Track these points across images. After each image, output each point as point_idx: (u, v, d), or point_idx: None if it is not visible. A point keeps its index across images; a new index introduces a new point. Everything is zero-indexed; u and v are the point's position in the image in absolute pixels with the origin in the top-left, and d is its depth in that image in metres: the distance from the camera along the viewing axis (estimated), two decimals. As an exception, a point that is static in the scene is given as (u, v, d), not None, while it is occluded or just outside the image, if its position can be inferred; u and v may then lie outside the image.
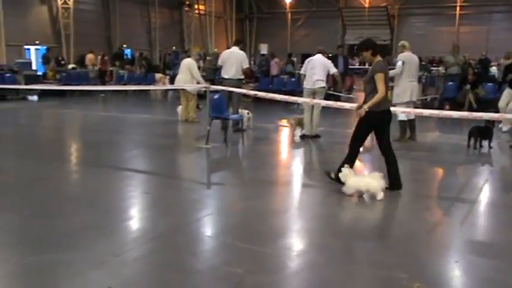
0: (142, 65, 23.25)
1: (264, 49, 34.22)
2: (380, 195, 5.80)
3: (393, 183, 6.16)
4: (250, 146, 9.62)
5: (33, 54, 27.78)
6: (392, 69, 9.23)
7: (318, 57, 10.12)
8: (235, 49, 11.08)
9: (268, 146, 10.00)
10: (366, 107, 5.95)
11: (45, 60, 23.13)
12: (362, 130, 6.24)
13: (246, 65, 11.01)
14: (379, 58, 6.18)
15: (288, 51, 30.58)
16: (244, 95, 13.22)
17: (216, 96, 9.44)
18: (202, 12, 39.95)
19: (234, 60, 10.84)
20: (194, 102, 12.33)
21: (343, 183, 5.96)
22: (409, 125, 9.83)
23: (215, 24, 41.03)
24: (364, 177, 6.18)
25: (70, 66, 24.40)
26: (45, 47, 26.84)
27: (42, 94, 18.04)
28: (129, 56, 30.44)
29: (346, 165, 6.01)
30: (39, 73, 21.23)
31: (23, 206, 5.52)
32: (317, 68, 9.92)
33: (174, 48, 34.26)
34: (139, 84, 20.32)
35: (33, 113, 15.15)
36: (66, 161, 8.48)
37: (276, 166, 8.29)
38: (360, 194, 5.93)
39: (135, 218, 5.38)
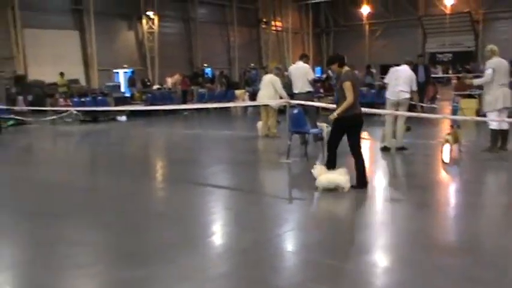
0: (222, 83, 23.83)
1: (342, 62, 33.88)
2: (346, 188, 6.59)
3: (359, 182, 6.82)
4: (330, 160, 9.50)
5: (122, 77, 29.44)
6: (479, 77, 8.77)
7: (404, 69, 9.87)
8: (299, 63, 11.29)
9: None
10: (335, 113, 6.73)
11: (131, 82, 24.41)
12: (335, 134, 6.99)
13: (310, 77, 11.25)
14: (346, 69, 6.89)
15: (366, 63, 30.10)
16: (323, 109, 13.13)
17: (295, 111, 9.46)
18: (279, 28, 40.40)
19: (299, 74, 11.12)
20: (275, 117, 12.43)
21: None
22: (501, 134, 9.27)
23: (292, 39, 41.33)
24: (332, 173, 6.78)
25: (155, 87, 25.57)
26: (132, 70, 28.36)
27: (130, 114, 19.00)
28: (209, 75, 31.37)
29: (317, 163, 6.92)
30: (127, 95, 22.39)
31: (115, 221, 5.81)
32: (401, 80, 9.67)
33: (252, 65, 34.84)
34: (220, 101, 20.82)
35: (122, 133, 15.99)
36: (153, 178, 8.85)
37: (358, 180, 8.11)
38: (330, 188, 6.63)
39: (218, 234, 5.47)
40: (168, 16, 32.36)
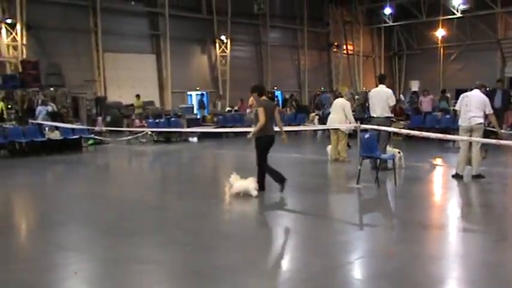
0: (292, 106, 23.93)
1: (415, 86, 33.13)
2: (253, 193, 8.00)
3: (282, 187, 8.44)
4: (402, 186, 9.24)
5: (194, 99, 30.34)
6: None
7: (474, 93, 9.48)
8: (382, 87, 11.05)
9: (422, 187, 9.51)
10: (251, 134, 8.31)
11: (201, 104, 25.10)
12: (260, 152, 8.40)
13: (392, 103, 10.86)
14: (264, 98, 8.64)
15: (440, 87, 29.20)
16: (395, 133, 12.84)
17: (366, 136, 9.31)
18: (350, 52, 40.16)
19: (379, 98, 10.81)
20: (345, 141, 12.29)
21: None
22: None
23: (363, 63, 40.92)
24: (244, 181, 8.11)
25: (226, 109, 26.10)
26: (202, 93, 29.18)
27: (201, 136, 19.47)
28: (279, 98, 31.62)
29: (233, 174, 8.28)
30: (199, 117, 22.99)
31: (186, 240, 5.93)
32: (472, 105, 9.28)
33: (322, 88, 34.78)
34: (289, 124, 20.89)
35: (193, 154, 16.39)
36: (222, 199, 8.97)
37: (431, 208, 7.82)
38: (241, 193, 8.01)
39: (286, 258, 5.44)
40: (240, 40, 33.10)
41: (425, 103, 19.81)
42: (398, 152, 10.66)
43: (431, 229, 6.41)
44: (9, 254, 5.72)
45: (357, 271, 4.92)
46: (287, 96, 28.81)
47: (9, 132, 15.20)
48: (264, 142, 8.31)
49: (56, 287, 4.75)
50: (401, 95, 31.58)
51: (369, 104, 11.18)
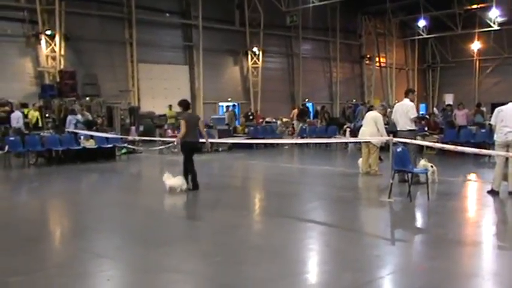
0: (324, 118, 23.83)
1: (449, 99, 32.59)
2: (183, 188, 9.65)
3: (194, 186, 10.03)
4: (435, 201, 9.07)
5: (226, 110, 30.55)
6: None
7: (510, 107, 9.27)
8: (405, 101, 11.17)
9: (456, 202, 9.32)
10: (177, 140, 10.34)
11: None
12: (185, 155, 10.18)
13: (412, 115, 10.90)
14: (187, 111, 10.40)
15: (475, 101, 28.64)
16: (428, 147, 12.66)
17: (399, 149, 9.20)
18: (383, 64, 39.86)
19: (401, 111, 10.96)
20: (376, 154, 12.16)
21: None
22: None
23: (396, 75, 40.52)
24: (174, 179, 9.68)
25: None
26: (234, 104, 29.38)
27: (232, 146, 19.58)
28: (311, 110, 31.55)
29: (166, 173, 9.87)
30: (230, 127, 23.14)
31: (215, 252, 5.96)
32: (508, 120, 9.07)
33: (354, 100, 34.57)
34: (321, 137, 20.83)
35: (224, 164, 16.48)
36: (252, 211, 9.00)
37: (465, 224, 7.66)
38: (173, 188, 9.56)
39: (315, 271, 5.41)
40: (272, 52, 33.26)
41: (460, 117, 19.45)
42: (432, 166, 10.49)
43: (464, 246, 6.28)
44: (46, 259, 5.87)
45: (388, 287, 4.85)
46: (318, 108, 28.71)
47: (46, 140, 15.63)
48: (187, 147, 10.15)
49: (88, 293, 4.84)
50: (434, 108, 31.12)
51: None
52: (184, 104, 10.46)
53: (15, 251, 6.09)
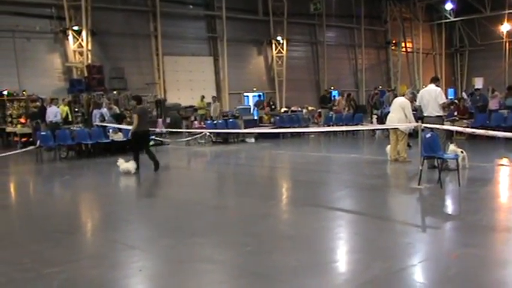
0: (350, 106, 23.61)
1: (479, 83, 31.85)
2: (132, 171, 11.46)
3: (156, 167, 11.86)
4: (466, 187, 8.91)
5: (251, 100, 30.58)
6: None
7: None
8: (431, 86, 10.93)
9: (488, 188, 9.14)
10: (131, 131, 11.94)
11: (258, 105, 25.24)
12: (134, 143, 12.15)
13: (441, 101, 10.73)
14: (139, 105, 12.16)
15: (505, 84, 27.94)
16: (458, 133, 12.42)
17: (428, 135, 9.05)
18: (409, 49, 39.20)
19: (428, 97, 10.79)
20: (405, 141, 11.99)
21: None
22: None
23: (423, 60, 39.83)
24: (127, 163, 11.51)
25: (282, 110, 26.13)
26: (260, 94, 29.37)
27: (258, 136, 19.60)
28: (336, 98, 31.27)
29: (120, 159, 11.66)
30: (256, 117, 23.14)
31: (245, 241, 5.99)
32: None
33: (380, 87, 34.12)
34: (347, 124, 20.65)
35: (251, 154, 16.52)
36: (280, 200, 9.01)
37: (498, 210, 7.49)
38: (127, 172, 11.39)
39: (345, 260, 5.38)
40: (296, 40, 33.06)
41: (491, 101, 19.03)
42: (462, 152, 10.30)
43: (498, 232, 6.15)
44: (78, 251, 5.99)
45: (420, 275, 4.80)
46: (344, 95, 28.41)
47: (76, 134, 15.91)
48: (138, 135, 11.81)
49: (121, 283, 4.92)
50: (463, 93, 30.48)
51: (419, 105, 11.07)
52: (137, 99, 12.45)
53: (49, 242, 6.24)
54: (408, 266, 4.98)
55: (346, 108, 23.48)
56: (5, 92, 20.77)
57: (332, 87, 33.37)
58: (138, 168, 11.72)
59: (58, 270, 5.11)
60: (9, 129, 19.67)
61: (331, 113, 23.22)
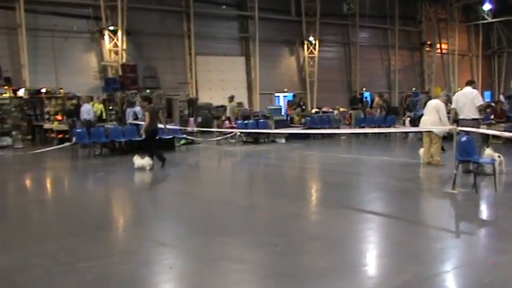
0: (382, 108, 23.32)
1: (517, 86, 31.01)
2: (147, 168, 11.76)
3: (163, 163, 12.21)
4: (503, 193, 8.69)
5: (282, 100, 30.53)
6: None
7: None
8: (467, 89, 10.75)
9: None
10: (142, 130, 12.47)
11: (294, 106, 25.17)
12: (147, 140, 12.34)
13: (478, 103, 10.53)
14: (149, 105, 12.86)
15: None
16: (494, 136, 12.14)
17: (463, 139, 8.86)
18: (444, 51, 38.44)
19: (464, 99, 10.58)
20: (439, 144, 11.76)
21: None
22: None
23: (458, 62, 38.99)
24: (142, 160, 11.84)
25: (313, 110, 25.99)
26: (291, 94, 29.30)
27: (289, 137, 19.55)
28: (368, 99, 30.97)
29: (136, 155, 12.03)
30: (287, 118, 23.08)
31: (275, 241, 5.98)
32: None
33: (413, 89, 33.59)
34: (379, 126, 20.40)
35: (281, 155, 16.49)
36: (310, 201, 8.98)
37: (537, 217, 7.27)
38: (144, 168, 11.75)
39: (375, 264, 5.32)
40: (329, 41, 32.86)
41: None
42: (499, 157, 10.03)
43: (536, 240, 5.97)
44: (110, 246, 6.11)
45: (453, 281, 4.70)
46: (377, 97, 28.11)
47: (110, 132, 16.20)
48: (150, 133, 12.26)
49: (152, 280, 4.99)
50: (501, 96, 29.71)
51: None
52: (147, 99, 13.43)
53: (82, 237, 6.37)
54: (441, 272, 4.89)
55: (379, 110, 23.21)
56: (44, 90, 21.33)
57: (364, 89, 33.03)
58: (163, 164, 12.25)
59: (91, 264, 5.22)
60: (46, 125, 20.19)
61: (362, 114, 23.00)
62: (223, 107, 24.76)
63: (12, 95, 20.46)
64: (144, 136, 12.40)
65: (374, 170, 12.27)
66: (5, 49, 22.45)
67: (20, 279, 4.88)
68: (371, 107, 25.77)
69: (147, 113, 12.34)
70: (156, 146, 12.56)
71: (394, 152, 16.94)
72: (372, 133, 20.41)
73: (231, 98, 21.88)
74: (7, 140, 18.89)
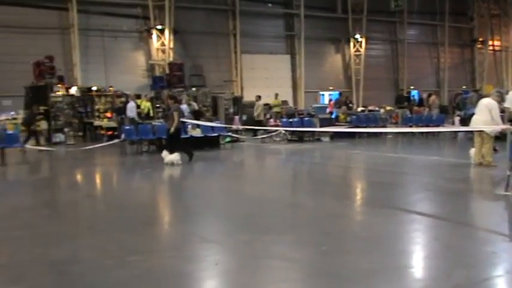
0: (430, 106, 22.78)
1: None
2: (178, 163, 12.35)
3: (190, 158, 12.99)
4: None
5: (327, 99, 30.29)
6: None
7: None
8: None
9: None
10: (172, 129, 12.67)
11: (338, 104, 24.93)
12: (176, 137, 12.94)
13: None
14: (176, 104, 13.50)
15: None
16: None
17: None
18: (497, 48, 37.11)
19: None
20: (490, 144, 11.37)
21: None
22: None
23: (512, 59, 37.59)
24: (171, 155, 12.33)
25: (359, 109, 25.68)
26: (337, 92, 29.03)
27: (334, 135, 19.40)
28: (416, 98, 30.29)
29: (164, 151, 12.57)
30: (332, 116, 22.91)
31: (320, 240, 5.96)
32: None
33: (464, 87, 32.61)
34: (428, 125, 19.94)
35: (325, 153, 16.39)
36: (355, 200, 8.88)
37: None
38: (172, 163, 12.25)
39: (422, 265, 5.21)
40: (376, 38, 32.36)
41: None
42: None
43: None
44: (158, 241, 6.25)
45: (505, 287, 4.55)
46: (424, 95, 27.47)
47: (157, 129, 16.53)
48: (177, 131, 12.91)
49: (198, 276, 5.06)
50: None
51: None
52: (174, 98, 14.10)
53: (131, 231, 6.54)
54: (492, 276, 4.74)
55: (427, 109, 22.68)
56: (94, 88, 22.02)
57: (411, 87, 32.34)
58: (191, 158, 13.15)
59: (140, 259, 5.35)
60: (96, 122, 20.83)
61: (408, 112, 22.53)
62: (268, 105, 24.83)
63: (65, 93, 21.22)
64: (172, 133, 12.87)
65: (421, 170, 12.00)
66: (59, 48, 23.31)
67: (74, 270, 5.07)
68: (419, 106, 25.21)
69: (175, 112, 12.91)
70: (183, 142, 13.44)
71: (443, 152, 16.51)
72: (420, 132, 19.97)
73: (259, 97, 22.10)
74: (60, 137, 19.66)
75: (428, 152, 15.45)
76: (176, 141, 13.05)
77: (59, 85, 21.02)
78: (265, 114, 22.36)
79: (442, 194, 8.94)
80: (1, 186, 11.35)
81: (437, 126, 19.80)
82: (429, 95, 23.90)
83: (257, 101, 22.24)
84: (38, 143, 17.28)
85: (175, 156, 12.44)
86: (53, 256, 5.51)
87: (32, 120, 17.61)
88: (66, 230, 6.77)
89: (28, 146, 16.35)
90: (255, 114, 21.95)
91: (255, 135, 20.42)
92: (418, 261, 5.39)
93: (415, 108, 23.60)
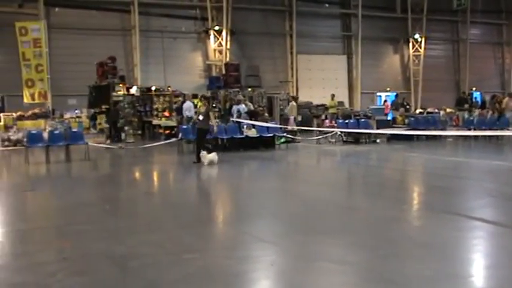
0: (495, 109, 21.83)
1: None
2: (215, 161, 12.57)
3: (197, 161, 12.91)
4: None
5: (383, 100, 29.64)
6: None
7: None
8: None
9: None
10: (214, 126, 14.05)
11: (394, 106, 24.37)
12: (205, 137, 13.60)
13: None
14: (209, 105, 14.86)
15: None
16: None
17: None
18: None
19: None
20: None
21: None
22: None
23: None
24: (209, 155, 12.57)
25: (417, 111, 25.01)
26: (394, 94, 28.37)
27: (391, 138, 18.97)
28: (478, 100, 29.13)
29: (203, 152, 12.66)
30: (389, 118, 22.43)
31: (377, 244, 5.85)
32: None
33: (531, 89, 31.07)
34: (490, 128, 19.13)
35: (382, 156, 16.05)
36: (413, 204, 8.65)
37: None
38: (211, 163, 12.46)
39: (486, 275, 5.00)
40: (436, 38, 31.43)
41: None
42: None
43: None
44: (213, 240, 6.34)
45: None
46: (487, 97, 26.41)
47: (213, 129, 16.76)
48: (205, 132, 13.35)
49: (252, 276, 5.08)
50: None
51: None
52: (207, 99, 14.94)
53: (187, 229, 6.67)
54: (562, 289, 4.49)
55: (491, 112, 21.76)
56: (153, 88, 22.63)
57: (474, 88, 31.15)
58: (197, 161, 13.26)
59: (195, 256, 5.44)
60: (155, 121, 21.39)
61: (468, 114, 21.70)
62: (324, 106, 24.65)
63: (125, 92, 21.92)
64: (204, 132, 13.40)
65: (484, 175, 11.53)
66: (121, 49, 24.14)
67: (134, 265, 5.23)
68: (481, 108, 24.26)
69: (211, 113, 13.64)
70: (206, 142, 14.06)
71: (507, 157, 15.79)
72: (482, 136, 19.20)
73: (293, 98, 22.15)
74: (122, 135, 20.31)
75: (491, 156, 14.84)
76: (207, 141, 13.70)
77: (120, 85, 21.76)
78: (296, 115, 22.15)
79: (507, 200, 8.54)
80: (67, 182, 11.86)
81: (502, 129, 18.95)
82: (493, 97, 22.92)
83: (290, 101, 22.15)
84: (120, 140, 18.46)
85: (213, 156, 12.76)
86: (113, 251, 5.70)
87: (117, 118, 18.45)
88: (126, 226, 6.99)
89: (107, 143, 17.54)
90: (288, 113, 21.78)
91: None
92: (480, 270, 5.18)
93: (478, 110, 22.70)
